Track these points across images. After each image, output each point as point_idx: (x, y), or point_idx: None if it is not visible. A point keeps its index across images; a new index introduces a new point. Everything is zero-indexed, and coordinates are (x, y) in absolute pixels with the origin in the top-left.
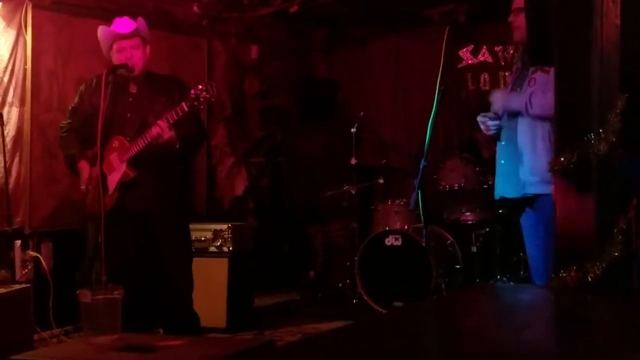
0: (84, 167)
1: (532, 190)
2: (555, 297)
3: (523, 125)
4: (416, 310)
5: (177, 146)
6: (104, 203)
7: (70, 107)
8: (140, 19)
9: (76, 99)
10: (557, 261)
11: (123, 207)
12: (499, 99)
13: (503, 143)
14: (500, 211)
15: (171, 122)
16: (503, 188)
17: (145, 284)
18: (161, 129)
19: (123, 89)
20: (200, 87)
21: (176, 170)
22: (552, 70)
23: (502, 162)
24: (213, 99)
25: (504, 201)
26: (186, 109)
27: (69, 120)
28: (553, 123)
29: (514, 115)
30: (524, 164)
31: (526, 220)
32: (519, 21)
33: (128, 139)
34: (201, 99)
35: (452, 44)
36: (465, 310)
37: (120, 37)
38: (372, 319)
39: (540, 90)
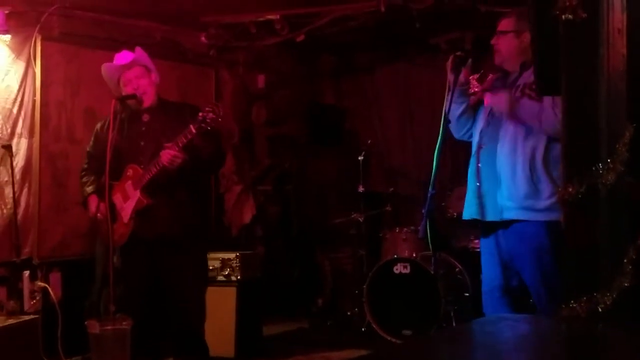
0: (92, 200)
1: (509, 215)
2: (566, 328)
3: (504, 150)
4: (427, 342)
5: (188, 162)
6: (121, 233)
7: (87, 150)
8: (138, 48)
9: (92, 141)
10: (566, 291)
11: (140, 235)
12: (504, 100)
13: (480, 165)
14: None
15: (180, 145)
16: (478, 210)
17: (157, 311)
18: (174, 154)
19: (136, 119)
20: (207, 108)
21: (192, 196)
22: (545, 99)
23: (478, 184)
24: (220, 119)
25: (476, 223)
26: (194, 131)
27: (87, 161)
28: (561, 153)
29: (493, 137)
30: (502, 189)
31: (504, 246)
32: (500, 44)
33: (141, 166)
34: (208, 120)
35: (458, 71)
36: (478, 341)
37: (123, 69)
38: (381, 351)
39: (550, 108)
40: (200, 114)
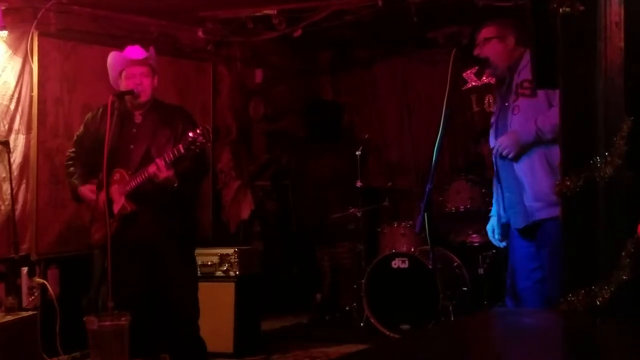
0: (86, 191)
1: (539, 215)
2: (564, 321)
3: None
4: (425, 336)
5: (175, 184)
6: (103, 234)
7: (75, 136)
8: (152, 49)
9: (81, 128)
10: (565, 285)
11: (123, 239)
12: (507, 143)
13: (504, 175)
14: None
15: (168, 162)
16: (512, 219)
17: (152, 310)
18: (158, 168)
19: (129, 118)
20: (198, 131)
21: (177, 201)
22: (539, 93)
23: (507, 194)
24: (209, 144)
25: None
26: (182, 151)
27: (74, 149)
28: (559, 147)
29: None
30: (527, 192)
31: (522, 245)
32: (485, 52)
33: (129, 172)
34: (197, 143)
35: (458, 66)
36: (476, 335)
37: (132, 63)
38: (380, 346)
39: (536, 115)
40: (190, 134)
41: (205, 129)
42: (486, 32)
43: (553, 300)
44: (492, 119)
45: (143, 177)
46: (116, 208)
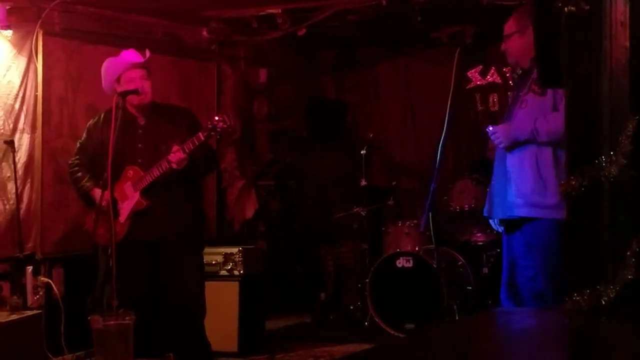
0: (96, 192)
1: (517, 212)
2: (569, 321)
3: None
4: (430, 335)
5: (185, 162)
6: (115, 231)
7: (78, 143)
8: (148, 51)
9: (84, 136)
10: (570, 285)
11: (135, 236)
12: (501, 134)
13: (495, 164)
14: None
15: (187, 151)
16: (492, 208)
17: (157, 309)
18: (181, 156)
19: (132, 121)
20: (217, 117)
21: (188, 196)
22: (548, 94)
23: (493, 182)
24: (230, 130)
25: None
26: (203, 138)
27: (78, 157)
28: (564, 146)
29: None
30: (511, 186)
31: (515, 242)
32: (509, 47)
33: (142, 168)
34: (218, 129)
35: (462, 65)
36: (480, 335)
37: (131, 67)
38: (384, 345)
39: (540, 115)
40: (209, 122)
41: (226, 114)
42: (507, 28)
43: (545, 298)
44: (509, 102)
45: (159, 170)
46: (130, 204)
